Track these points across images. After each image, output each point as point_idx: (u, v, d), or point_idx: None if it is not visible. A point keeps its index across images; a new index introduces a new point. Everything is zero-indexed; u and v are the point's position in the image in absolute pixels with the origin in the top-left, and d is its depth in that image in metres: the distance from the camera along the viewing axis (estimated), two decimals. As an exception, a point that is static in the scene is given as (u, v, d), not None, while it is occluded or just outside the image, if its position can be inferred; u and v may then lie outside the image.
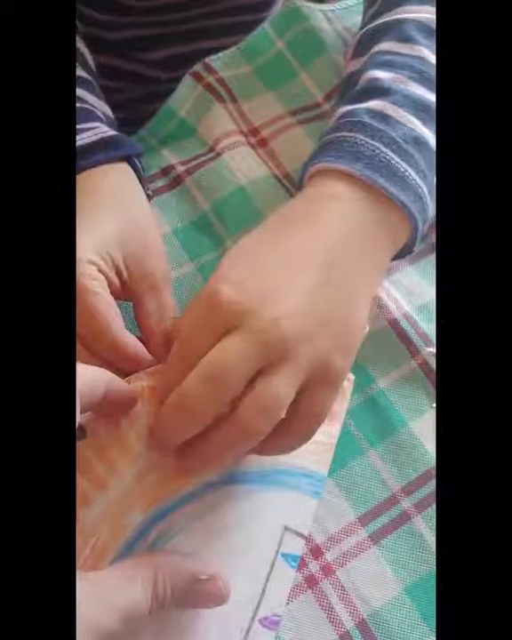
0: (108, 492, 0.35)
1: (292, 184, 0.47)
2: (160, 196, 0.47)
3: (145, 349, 0.37)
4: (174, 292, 0.43)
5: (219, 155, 0.47)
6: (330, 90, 0.51)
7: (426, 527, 0.38)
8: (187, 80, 0.51)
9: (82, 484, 0.34)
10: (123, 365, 0.36)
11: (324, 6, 0.55)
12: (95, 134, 0.41)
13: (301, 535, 0.37)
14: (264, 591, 0.36)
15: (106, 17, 0.59)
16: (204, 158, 0.48)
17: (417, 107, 0.39)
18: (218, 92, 0.50)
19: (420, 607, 0.37)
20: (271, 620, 0.35)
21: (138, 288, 0.39)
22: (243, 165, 0.47)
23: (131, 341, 0.36)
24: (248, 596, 0.35)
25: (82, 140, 0.40)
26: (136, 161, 0.43)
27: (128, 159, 0.42)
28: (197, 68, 0.52)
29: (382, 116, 0.39)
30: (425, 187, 0.38)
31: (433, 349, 0.42)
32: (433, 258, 0.45)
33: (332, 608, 0.37)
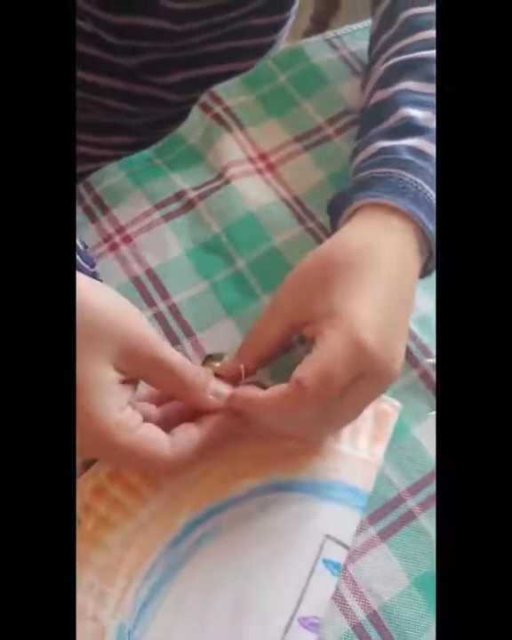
0: (160, 493, 0.39)
1: (300, 205, 0.50)
2: (174, 219, 0.50)
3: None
4: (187, 310, 0.46)
5: (228, 182, 0.50)
6: (332, 115, 0.54)
7: (430, 524, 0.41)
8: (195, 111, 0.55)
9: (139, 485, 0.39)
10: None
11: (330, 33, 0.58)
12: None
13: (343, 545, 0.39)
14: (304, 592, 0.38)
15: (121, 42, 0.62)
16: (214, 184, 0.51)
17: None
18: (225, 121, 0.53)
19: (428, 599, 0.40)
20: (310, 621, 0.38)
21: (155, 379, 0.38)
22: (251, 192, 0.50)
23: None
24: (288, 596, 0.38)
25: None
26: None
27: None
28: (204, 98, 0.55)
29: (422, 154, 0.42)
30: None
31: (432, 360, 0.45)
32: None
33: (345, 601, 0.39)
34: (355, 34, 0.58)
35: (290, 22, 0.73)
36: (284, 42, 0.76)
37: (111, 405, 0.33)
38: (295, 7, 0.70)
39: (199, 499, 0.40)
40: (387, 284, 0.38)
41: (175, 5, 0.57)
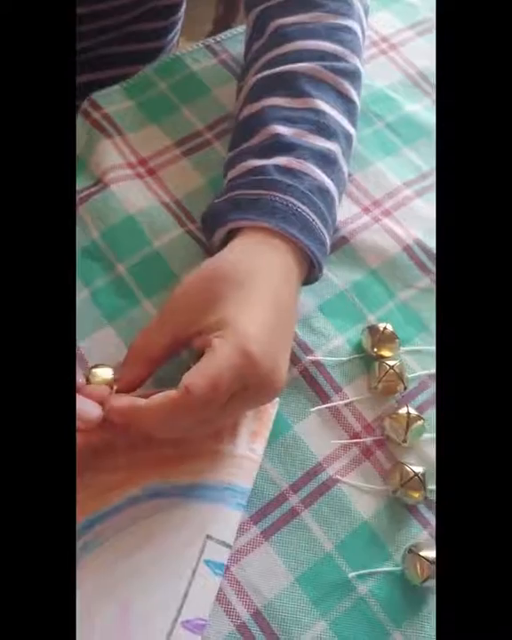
0: None
1: (181, 208, 0.50)
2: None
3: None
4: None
5: (106, 186, 0.50)
6: (211, 121, 0.55)
7: (313, 520, 0.42)
8: (78, 118, 0.54)
9: None
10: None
11: (210, 40, 0.59)
12: None
13: (225, 544, 0.40)
14: (186, 595, 0.38)
15: None
16: (91, 190, 0.50)
17: (318, 157, 0.45)
18: (103, 127, 0.53)
19: (310, 593, 0.40)
20: (195, 623, 0.38)
21: None
22: (130, 196, 0.50)
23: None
24: (170, 599, 0.38)
25: None
26: None
27: None
28: (84, 105, 0.55)
29: (290, 172, 0.44)
30: (325, 230, 0.44)
31: (312, 358, 0.46)
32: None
33: (229, 602, 0.39)
34: (236, 37, 0.59)
35: (179, 26, 0.74)
36: (177, 46, 0.77)
37: None
38: (182, 11, 0.71)
39: (80, 510, 0.39)
40: (272, 301, 0.40)
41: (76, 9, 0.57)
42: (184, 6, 0.71)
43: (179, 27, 0.74)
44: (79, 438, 0.36)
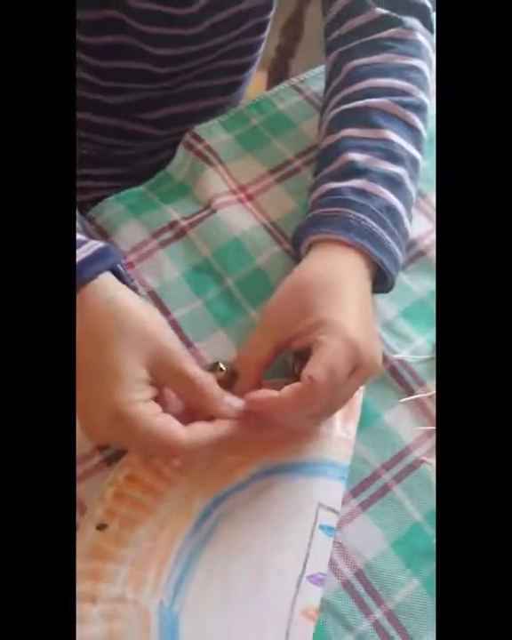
0: (174, 488, 0.47)
1: (277, 229, 0.58)
2: (169, 245, 0.57)
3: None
4: (185, 324, 0.54)
5: (214, 211, 0.58)
6: (300, 151, 0.63)
7: (403, 495, 0.49)
8: (180, 150, 0.62)
9: (154, 484, 0.46)
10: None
11: (294, 79, 0.67)
12: (90, 248, 0.44)
13: (333, 511, 0.47)
14: (308, 555, 0.46)
15: (107, 83, 0.70)
16: (202, 214, 0.59)
17: (387, 180, 0.52)
18: (207, 157, 0.61)
19: (403, 557, 0.47)
20: (317, 577, 0.45)
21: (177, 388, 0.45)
22: (234, 219, 0.58)
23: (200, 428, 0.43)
24: (297, 557, 0.46)
25: (79, 255, 0.43)
26: (119, 266, 0.46)
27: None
28: (187, 138, 0.63)
29: (363, 193, 0.51)
30: (395, 243, 0.51)
31: (397, 357, 0.53)
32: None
33: (335, 562, 0.47)
34: (317, 76, 0.67)
35: (257, 63, 0.81)
36: (254, 74, 0.85)
37: (137, 397, 0.41)
38: (262, 48, 0.79)
39: (207, 491, 0.47)
40: (356, 297, 0.48)
41: (161, 51, 0.65)
42: (265, 43, 0.79)
43: (257, 62, 0.81)
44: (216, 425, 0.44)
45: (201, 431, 0.43)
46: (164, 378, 0.43)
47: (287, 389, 0.43)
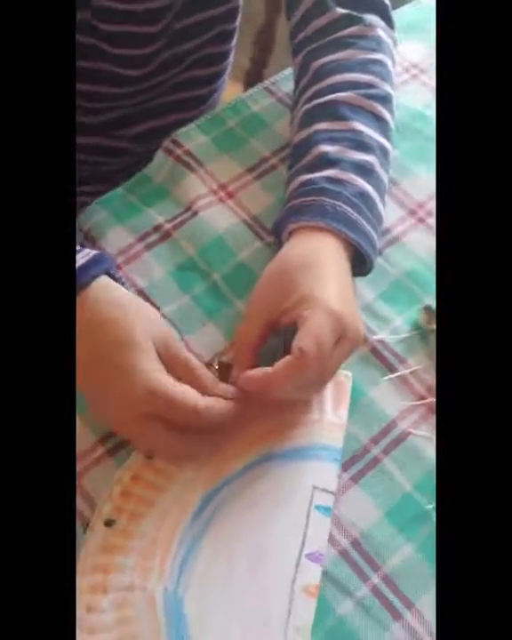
0: (174, 482, 0.49)
1: (258, 223, 0.61)
2: (155, 248, 0.60)
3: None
4: (175, 319, 0.56)
5: (195, 213, 0.61)
6: (275, 148, 0.65)
7: (393, 466, 0.51)
8: (159, 154, 0.65)
9: (156, 480, 0.49)
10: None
11: (267, 82, 0.70)
12: (86, 255, 0.49)
13: (328, 491, 0.50)
14: (305, 534, 0.48)
15: (88, 104, 0.73)
16: (183, 216, 0.61)
17: (358, 168, 0.55)
18: (187, 162, 0.64)
19: (396, 524, 0.50)
20: (315, 555, 0.48)
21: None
22: (216, 219, 0.61)
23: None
24: (293, 539, 0.48)
25: (77, 261, 0.48)
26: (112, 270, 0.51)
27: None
28: (166, 143, 0.66)
29: (336, 181, 0.54)
30: (370, 227, 0.54)
31: (377, 337, 0.56)
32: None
33: (332, 534, 0.49)
34: (287, 78, 0.70)
35: (227, 72, 0.84)
36: (225, 87, 0.88)
37: (156, 367, 0.46)
38: (231, 58, 0.82)
39: (205, 482, 0.49)
40: (336, 274, 0.51)
41: (130, 72, 0.68)
42: (233, 52, 0.82)
43: (229, 70, 0.84)
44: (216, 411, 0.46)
45: (213, 401, 0.46)
46: (166, 359, 0.47)
47: (279, 364, 0.46)
